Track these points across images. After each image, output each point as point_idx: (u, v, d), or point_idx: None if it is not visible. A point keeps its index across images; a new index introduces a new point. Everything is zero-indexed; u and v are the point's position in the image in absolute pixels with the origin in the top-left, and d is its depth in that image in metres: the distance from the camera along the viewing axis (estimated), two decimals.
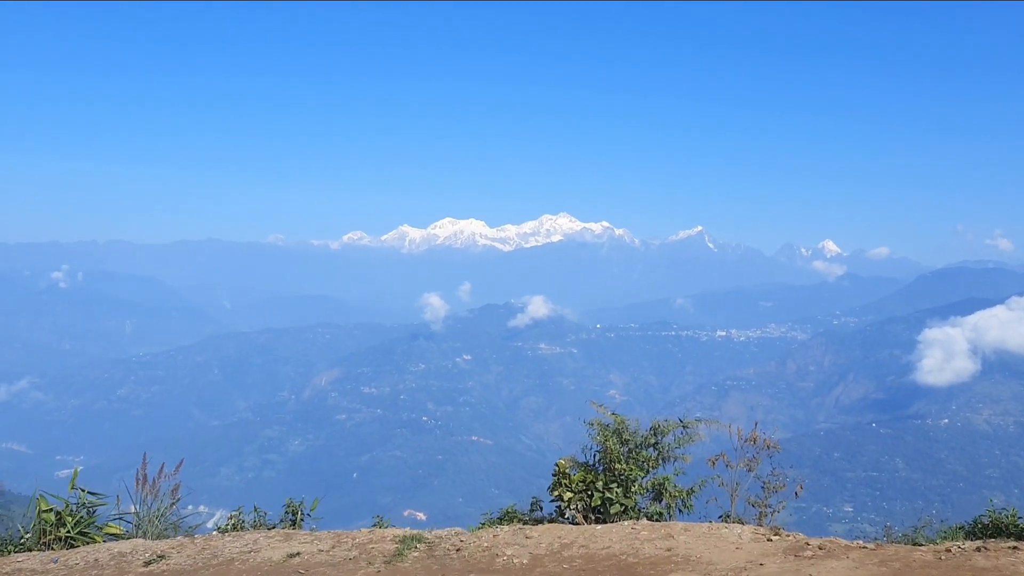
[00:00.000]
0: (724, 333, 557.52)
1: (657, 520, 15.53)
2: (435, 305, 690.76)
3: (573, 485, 15.93)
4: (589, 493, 15.90)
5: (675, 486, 16.80)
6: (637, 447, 17.17)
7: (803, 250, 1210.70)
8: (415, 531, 14.79)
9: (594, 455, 17.20)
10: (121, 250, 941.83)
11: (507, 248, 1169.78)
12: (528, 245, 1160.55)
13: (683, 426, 17.91)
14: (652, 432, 17.53)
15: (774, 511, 17.06)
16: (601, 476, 16.18)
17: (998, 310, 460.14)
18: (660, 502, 16.74)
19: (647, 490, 16.72)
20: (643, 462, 16.91)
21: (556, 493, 16.04)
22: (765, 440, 17.56)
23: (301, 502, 21.52)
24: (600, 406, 18.13)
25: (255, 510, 21.31)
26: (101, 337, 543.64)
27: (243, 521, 20.92)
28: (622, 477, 16.16)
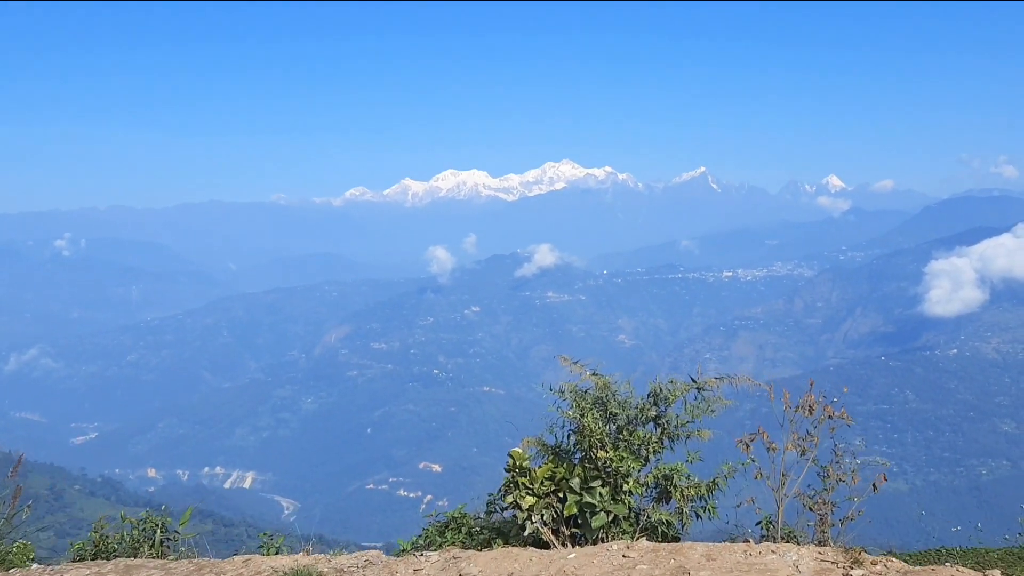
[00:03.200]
0: (731, 273, 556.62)
1: (663, 538, 11.02)
2: (441, 258, 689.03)
3: (536, 485, 10.58)
4: (561, 496, 10.69)
5: (689, 479, 11.30)
6: (630, 422, 11.48)
7: (807, 186, 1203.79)
8: (307, 560, 10.80)
9: (567, 437, 11.64)
10: (123, 216, 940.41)
11: (511, 198, 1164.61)
12: (532, 194, 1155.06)
13: (697, 388, 11.97)
14: (652, 399, 11.79)
15: (845, 519, 11.47)
16: (578, 469, 10.86)
17: (1005, 238, 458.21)
18: (667, 505, 11.35)
19: (647, 488, 11.27)
20: (640, 446, 11.29)
21: (511, 500, 10.79)
22: (826, 408, 11.60)
23: (163, 517, 13.39)
24: (574, 363, 12.46)
25: (123, 519, 13.60)
26: (108, 304, 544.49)
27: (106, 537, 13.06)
28: (609, 470, 10.79)
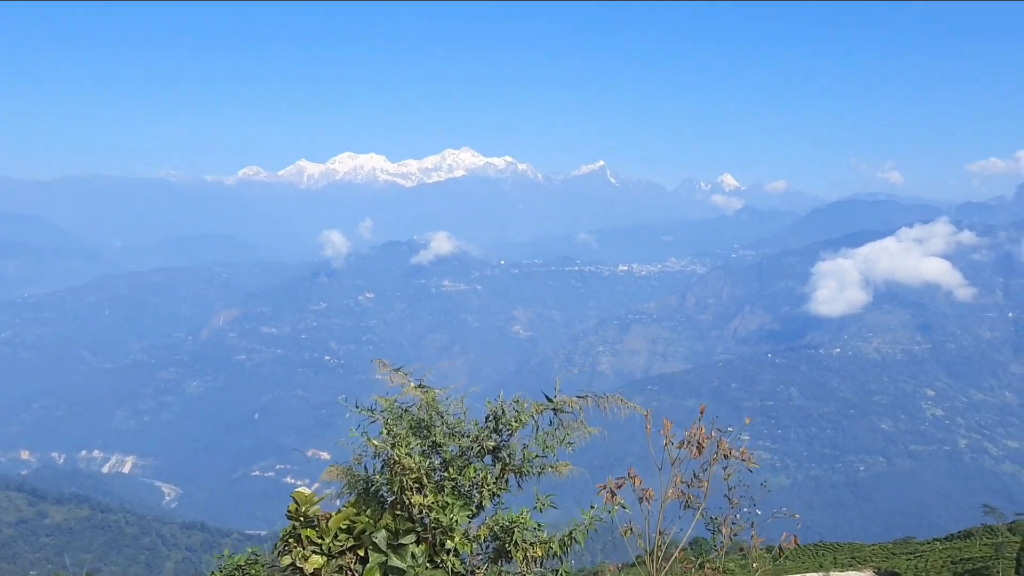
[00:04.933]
0: (626, 268, 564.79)
1: None
2: (336, 242, 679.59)
3: (328, 539, 7.66)
4: (362, 555, 7.74)
5: (537, 533, 8.15)
6: (462, 455, 8.54)
7: (703, 184, 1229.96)
8: None
9: (378, 471, 8.53)
10: (1, 186, 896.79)
11: (409, 184, 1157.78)
12: (430, 180, 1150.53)
13: (554, 409, 8.83)
14: (491, 424, 8.79)
15: None
16: (386, 518, 7.87)
17: (888, 241, 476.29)
18: (506, 565, 8.29)
19: (479, 544, 8.23)
20: (472, 487, 8.34)
21: (289, 561, 7.69)
22: (720, 444, 8.41)
23: None
24: (394, 369, 9.23)
25: None
26: None
27: None
28: (427, 520, 7.90)
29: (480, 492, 8.23)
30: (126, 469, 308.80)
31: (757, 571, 8.93)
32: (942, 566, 70.07)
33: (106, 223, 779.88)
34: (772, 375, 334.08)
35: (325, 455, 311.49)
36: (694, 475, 8.39)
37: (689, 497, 8.39)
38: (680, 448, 8.37)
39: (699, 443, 8.34)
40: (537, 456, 8.57)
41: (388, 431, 8.32)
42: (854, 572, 73.57)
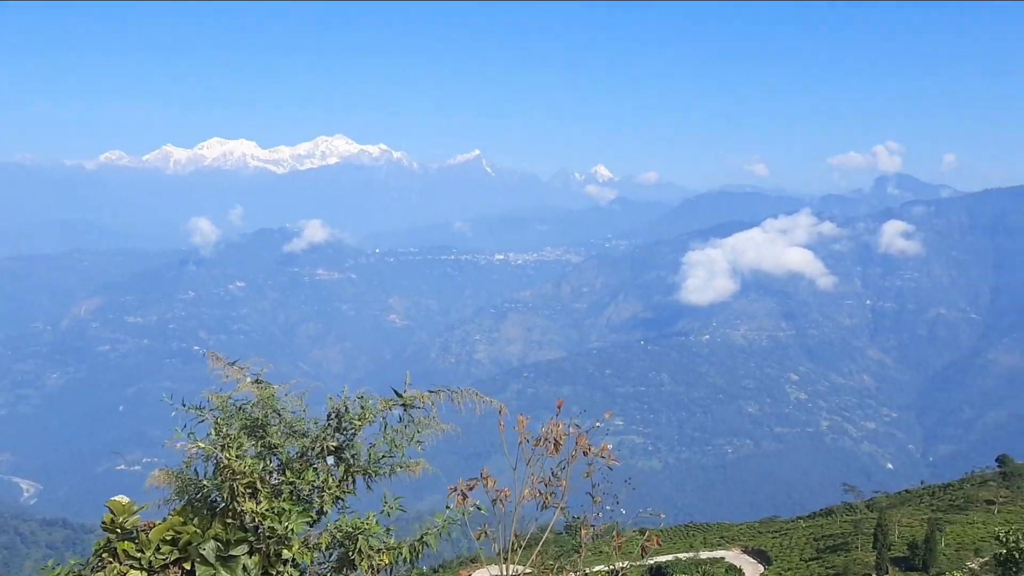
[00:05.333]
0: (502, 256, 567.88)
1: None
2: (204, 230, 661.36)
3: (149, 552, 6.62)
4: (186, 567, 6.75)
5: (385, 539, 7.46)
6: (303, 456, 7.68)
7: (577, 175, 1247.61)
8: None
9: (207, 477, 7.49)
10: None
11: (281, 170, 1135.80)
12: (303, 167, 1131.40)
13: (404, 405, 8.13)
14: (334, 422, 7.93)
15: None
16: (216, 526, 6.96)
17: (754, 232, 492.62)
18: (349, 573, 7.55)
19: (320, 553, 7.41)
20: (312, 491, 7.47)
21: None
22: (580, 440, 7.68)
23: None
24: (229, 363, 8.03)
25: None
26: None
27: None
28: (261, 529, 7.06)
29: (321, 496, 7.29)
30: None
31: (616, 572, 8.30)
32: (805, 543, 72.91)
33: None
34: (644, 362, 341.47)
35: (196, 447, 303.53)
36: (552, 473, 7.58)
37: (547, 497, 7.57)
38: (536, 446, 7.47)
39: (556, 440, 7.46)
40: (384, 456, 7.65)
41: (218, 431, 7.24)
42: (723, 551, 75.76)
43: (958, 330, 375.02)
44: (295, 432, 7.62)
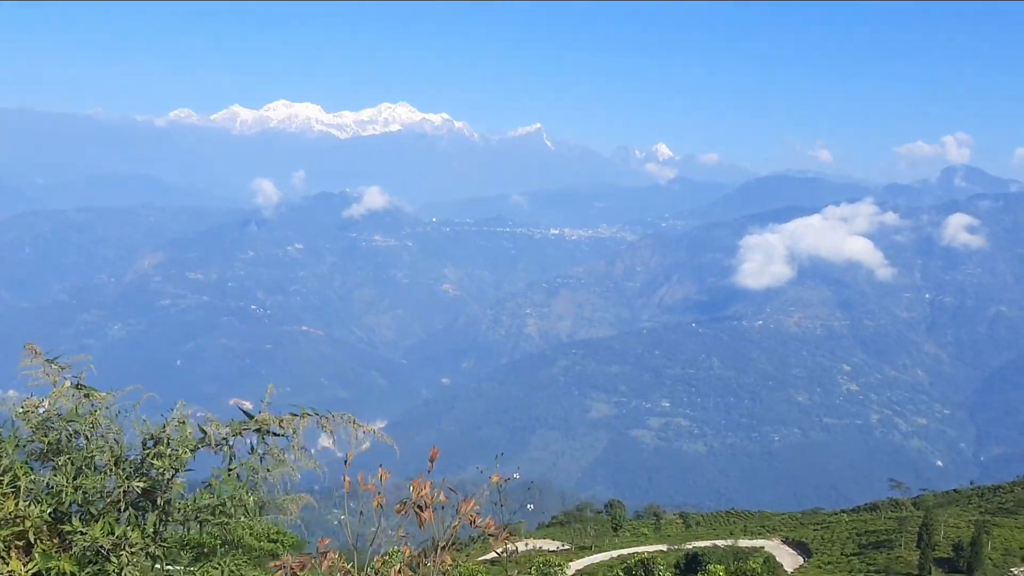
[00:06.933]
0: (557, 231, 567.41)
1: None
2: (267, 191, 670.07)
3: None
4: None
5: None
6: (102, 497, 5.34)
7: (637, 152, 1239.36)
8: None
9: None
10: None
11: (344, 135, 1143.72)
12: (365, 133, 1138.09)
13: (257, 430, 5.72)
14: (150, 450, 5.43)
15: None
16: None
17: (814, 219, 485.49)
18: None
19: None
20: (112, 548, 5.06)
21: None
22: (464, 506, 5.17)
23: None
24: (48, 360, 5.71)
25: None
26: None
27: None
28: None
29: (119, 555, 5.05)
30: (41, 411, 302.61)
31: None
32: (847, 537, 72.78)
33: (29, 159, 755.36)
34: (695, 344, 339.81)
35: (247, 404, 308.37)
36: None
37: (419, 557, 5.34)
38: (398, 512, 5.09)
39: (421, 506, 5.04)
40: (213, 506, 5.46)
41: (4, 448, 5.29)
42: (763, 540, 75.94)
43: (1018, 329, 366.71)
44: (89, 467, 5.40)
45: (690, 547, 65.71)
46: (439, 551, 4.84)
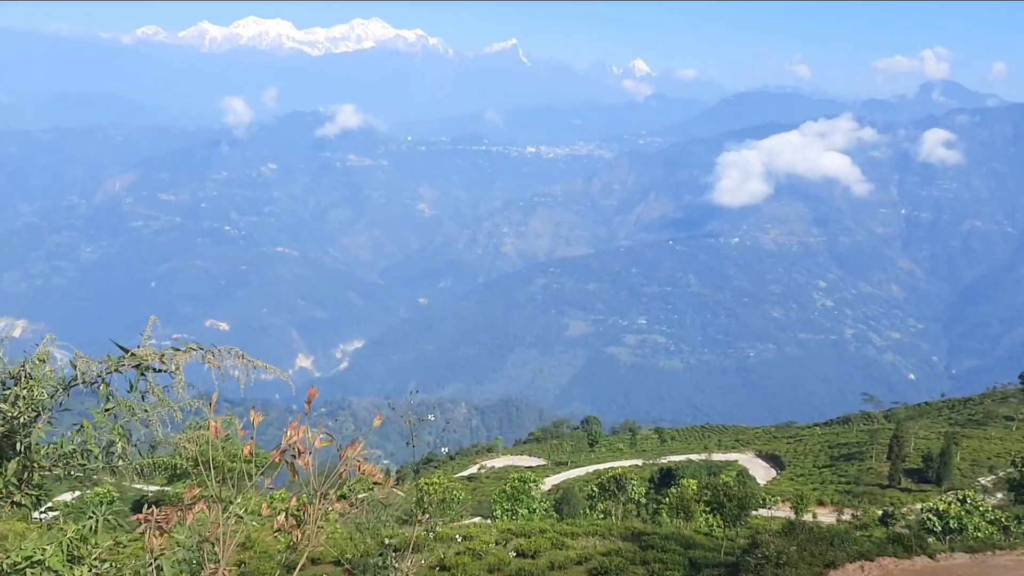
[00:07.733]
0: (534, 149, 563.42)
1: None
2: (238, 110, 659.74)
3: None
4: None
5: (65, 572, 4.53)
6: None
7: (614, 68, 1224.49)
8: None
9: None
10: None
11: (316, 52, 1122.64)
12: (338, 51, 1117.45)
13: (137, 367, 4.96)
14: (8, 395, 4.84)
15: None
16: None
17: (792, 135, 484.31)
18: None
19: None
20: None
21: None
22: (347, 451, 4.44)
23: None
24: None
25: None
26: None
27: None
28: None
29: None
30: (16, 334, 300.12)
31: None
32: (820, 450, 73.54)
33: None
34: (672, 262, 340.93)
35: (224, 326, 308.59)
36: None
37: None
38: (275, 460, 4.33)
39: (296, 451, 4.33)
40: (74, 450, 4.86)
41: None
42: (737, 454, 76.60)
43: (993, 244, 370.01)
44: None
45: (664, 461, 66.08)
46: (321, 499, 4.21)
